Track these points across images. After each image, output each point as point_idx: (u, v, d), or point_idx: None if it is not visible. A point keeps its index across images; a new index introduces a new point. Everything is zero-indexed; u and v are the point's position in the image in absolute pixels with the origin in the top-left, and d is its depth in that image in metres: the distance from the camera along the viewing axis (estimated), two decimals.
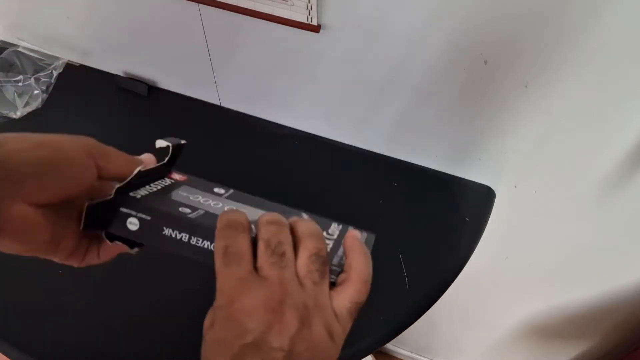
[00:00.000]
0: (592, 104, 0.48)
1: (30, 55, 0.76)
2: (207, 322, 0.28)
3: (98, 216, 0.33)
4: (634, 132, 0.48)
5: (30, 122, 0.71)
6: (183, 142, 0.39)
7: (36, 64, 0.76)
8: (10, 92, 0.73)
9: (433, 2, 0.44)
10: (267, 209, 0.36)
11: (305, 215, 0.36)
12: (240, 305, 0.26)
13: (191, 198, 0.36)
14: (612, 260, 0.66)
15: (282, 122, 0.70)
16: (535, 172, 0.59)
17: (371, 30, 0.49)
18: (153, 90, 0.75)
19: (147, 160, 0.36)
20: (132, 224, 0.33)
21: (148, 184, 0.37)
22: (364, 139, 0.65)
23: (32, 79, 0.73)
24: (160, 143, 0.37)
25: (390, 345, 1.26)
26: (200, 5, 0.56)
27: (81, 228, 0.32)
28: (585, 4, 0.40)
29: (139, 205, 0.33)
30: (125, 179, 0.33)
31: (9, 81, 0.73)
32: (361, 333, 0.49)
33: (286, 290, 0.26)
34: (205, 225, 0.32)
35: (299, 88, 0.62)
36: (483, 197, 0.63)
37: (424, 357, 1.24)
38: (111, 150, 0.32)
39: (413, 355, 1.25)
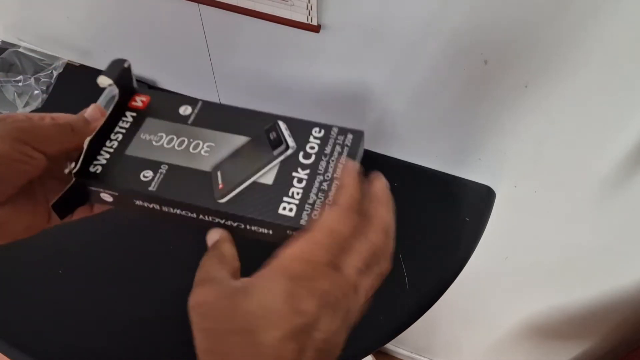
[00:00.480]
0: (592, 104, 0.48)
1: (30, 55, 0.76)
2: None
3: (67, 204, 0.32)
4: (633, 132, 0.48)
5: None
6: (126, 64, 0.34)
7: (36, 64, 0.76)
8: (10, 92, 0.73)
9: (433, 2, 0.44)
10: (238, 125, 0.34)
11: (281, 123, 0.35)
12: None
13: (154, 143, 0.34)
14: (613, 260, 0.66)
15: None
16: (535, 172, 0.59)
17: (371, 31, 0.49)
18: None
19: (94, 114, 0.34)
20: (107, 196, 0.33)
21: (108, 134, 0.34)
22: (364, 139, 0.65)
23: (32, 79, 0.73)
24: (102, 81, 0.34)
25: (390, 345, 1.26)
26: (200, 5, 0.56)
27: (60, 220, 0.33)
28: (585, 4, 0.40)
29: (102, 182, 0.32)
30: (79, 148, 0.32)
31: (9, 81, 0.73)
32: (361, 333, 0.49)
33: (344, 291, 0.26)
34: (169, 199, 0.31)
35: (299, 87, 0.62)
36: (483, 197, 0.63)
37: (424, 357, 1.24)
38: (46, 127, 0.31)
39: (413, 355, 1.25)
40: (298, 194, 0.31)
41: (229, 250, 0.30)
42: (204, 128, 0.34)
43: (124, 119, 0.35)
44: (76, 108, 0.75)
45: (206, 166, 0.33)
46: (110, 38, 0.70)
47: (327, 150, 0.33)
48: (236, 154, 0.33)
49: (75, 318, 0.53)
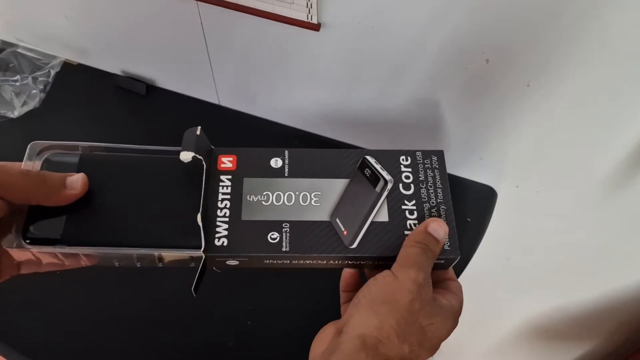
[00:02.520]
0: (594, 103, 0.47)
1: (27, 54, 0.76)
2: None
3: (200, 281, 0.34)
4: (635, 132, 0.48)
5: (28, 122, 0.70)
6: (198, 131, 0.35)
7: (33, 63, 0.76)
8: (7, 91, 0.72)
9: (434, 0, 0.44)
10: (330, 168, 0.36)
11: (370, 158, 0.36)
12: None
13: (264, 203, 0.35)
14: (615, 260, 0.66)
15: (282, 122, 0.69)
16: (537, 172, 0.59)
17: (372, 29, 0.49)
18: (151, 90, 0.74)
19: (75, 181, 0.33)
20: (233, 261, 0.34)
21: (215, 202, 0.34)
22: (364, 138, 0.65)
23: (30, 79, 0.73)
24: (185, 157, 0.34)
25: None
26: (199, 3, 0.55)
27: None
28: (587, 2, 0.39)
29: (232, 251, 0.33)
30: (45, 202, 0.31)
31: (7, 80, 0.72)
32: None
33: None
34: (298, 255, 0.33)
35: (298, 87, 0.61)
36: (485, 197, 0.63)
37: None
38: (14, 174, 0.30)
39: None
40: (415, 224, 0.34)
41: None
42: (302, 178, 0.36)
43: (221, 184, 0.36)
44: (74, 107, 0.75)
45: (323, 216, 0.35)
46: (108, 37, 0.69)
47: (422, 176, 0.36)
48: (344, 198, 0.35)
49: (74, 319, 0.53)
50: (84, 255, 0.32)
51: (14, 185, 0.30)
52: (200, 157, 0.34)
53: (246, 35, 0.57)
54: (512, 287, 0.83)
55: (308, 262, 0.35)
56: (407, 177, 0.36)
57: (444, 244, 0.33)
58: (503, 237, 0.70)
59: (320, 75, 0.58)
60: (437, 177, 0.36)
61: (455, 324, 0.32)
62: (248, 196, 0.35)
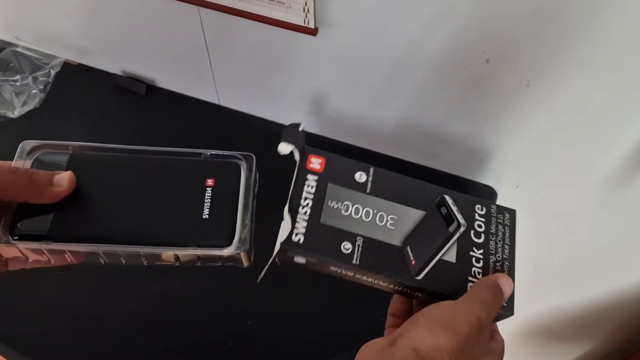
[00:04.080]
0: (594, 103, 0.47)
1: (27, 54, 0.76)
2: None
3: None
4: (636, 132, 0.48)
5: (28, 122, 0.70)
6: (301, 127, 0.37)
7: (34, 63, 0.76)
8: (7, 91, 0.72)
9: (434, 0, 0.44)
10: (409, 197, 0.37)
11: (448, 198, 0.37)
12: None
13: (343, 212, 0.36)
14: (615, 260, 0.66)
15: (282, 122, 0.69)
16: (537, 172, 0.59)
17: (370, 31, 0.49)
18: (152, 90, 0.74)
19: (62, 179, 0.33)
20: (301, 259, 0.35)
21: (298, 198, 0.35)
22: (364, 139, 0.65)
23: (30, 78, 0.73)
24: (283, 148, 0.36)
25: None
26: (200, 7, 0.55)
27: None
28: (588, 2, 0.39)
29: (304, 250, 0.34)
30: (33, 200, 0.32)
31: (7, 80, 0.72)
32: (362, 334, 0.49)
33: None
34: (366, 271, 0.34)
35: (298, 88, 0.61)
36: (485, 198, 0.62)
37: None
38: (2, 172, 0.30)
39: None
40: (479, 273, 0.35)
41: None
42: (381, 199, 0.37)
43: (307, 182, 0.37)
44: (74, 107, 0.75)
45: (395, 240, 0.36)
46: (108, 37, 0.69)
47: (493, 229, 0.37)
48: (418, 229, 0.36)
49: (73, 319, 0.53)
50: (69, 252, 0.33)
51: (2, 183, 0.30)
52: (295, 150, 0.35)
53: (245, 38, 0.57)
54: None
55: (370, 280, 0.35)
56: (480, 226, 0.37)
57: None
58: None
59: (319, 77, 0.58)
60: (507, 233, 0.37)
61: None
62: (330, 201, 0.36)
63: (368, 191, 0.37)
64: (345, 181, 0.37)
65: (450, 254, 0.36)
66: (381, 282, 0.35)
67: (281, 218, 0.34)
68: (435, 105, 0.55)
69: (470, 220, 0.37)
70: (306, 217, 0.35)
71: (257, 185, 0.38)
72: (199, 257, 0.34)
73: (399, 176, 0.38)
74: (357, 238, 0.35)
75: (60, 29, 0.71)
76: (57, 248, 0.32)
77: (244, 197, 0.36)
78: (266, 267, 0.34)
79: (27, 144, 0.35)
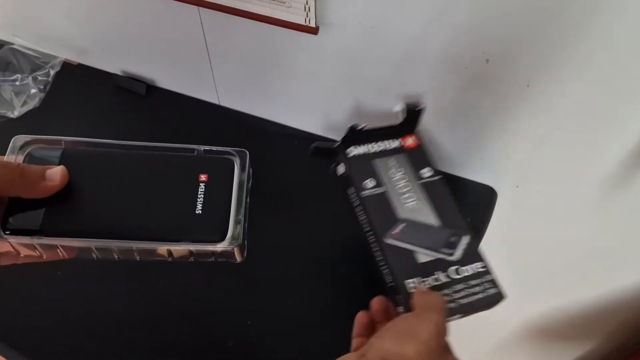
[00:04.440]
0: (594, 103, 0.47)
1: (27, 53, 0.76)
2: None
3: (322, 152, 0.49)
4: (636, 132, 0.48)
5: (28, 122, 0.70)
6: (421, 106, 0.49)
7: (33, 63, 0.76)
8: (7, 91, 0.72)
9: (434, 0, 0.44)
10: (442, 214, 0.45)
11: (465, 238, 0.43)
12: None
13: (392, 171, 0.46)
14: (615, 260, 0.66)
15: (282, 122, 0.69)
16: (537, 172, 0.59)
17: (371, 30, 0.49)
18: (152, 90, 0.74)
19: (54, 174, 0.33)
20: (342, 168, 0.47)
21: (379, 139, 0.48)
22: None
23: (30, 78, 0.73)
24: (397, 107, 0.48)
25: None
26: (200, 7, 0.55)
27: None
28: (587, 2, 0.39)
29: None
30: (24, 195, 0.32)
31: (6, 80, 0.72)
32: None
33: None
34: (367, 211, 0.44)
35: (298, 87, 0.61)
36: (485, 197, 0.62)
37: None
38: None
39: None
40: (429, 284, 0.39)
41: None
42: (428, 203, 0.45)
43: (396, 153, 0.48)
44: (74, 107, 0.75)
45: (400, 214, 0.44)
46: (108, 37, 0.69)
47: (471, 283, 0.41)
48: (423, 225, 0.43)
49: (73, 319, 0.53)
50: (61, 247, 0.33)
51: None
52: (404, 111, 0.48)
53: (246, 37, 0.57)
54: (512, 287, 0.83)
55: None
56: (462, 272, 0.41)
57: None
58: (503, 237, 0.70)
59: (320, 76, 0.58)
60: (473, 301, 0.42)
61: None
62: (390, 161, 0.48)
63: (420, 182, 0.46)
64: (415, 166, 0.47)
65: (424, 257, 0.41)
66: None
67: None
68: (435, 105, 0.55)
69: (464, 263, 0.42)
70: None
71: (250, 181, 0.38)
72: (191, 253, 0.34)
73: (449, 199, 0.46)
74: (381, 187, 0.45)
75: (60, 28, 0.71)
76: (49, 243, 0.32)
77: (237, 192, 0.36)
78: (323, 146, 0.45)
79: (19, 139, 0.35)
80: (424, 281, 0.39)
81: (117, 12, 0.64)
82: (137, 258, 0.34)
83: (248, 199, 0.37)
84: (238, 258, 0.35)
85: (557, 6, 0.41)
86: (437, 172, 0.46)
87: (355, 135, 0.48)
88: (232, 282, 0.54)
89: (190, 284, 0.55)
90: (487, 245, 0.62)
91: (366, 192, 0.45)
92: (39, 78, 0.74)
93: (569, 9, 0.40)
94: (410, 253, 0.41)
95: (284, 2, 0.48)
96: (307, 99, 0.63)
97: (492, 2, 0.42)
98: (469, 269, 0.41)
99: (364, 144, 0.48)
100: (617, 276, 0.69)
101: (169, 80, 0.73)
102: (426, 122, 0.58)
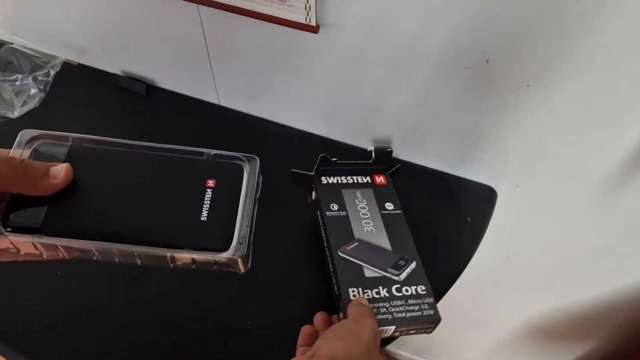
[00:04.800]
0: (594, 103, 0.47)
1: (27, 53, 0.76)
2: None
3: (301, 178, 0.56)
4: (636, 132, 0.48)
5: (28, 122, 0.70)
6: (390, 149, 0.58)
7: (33, 63, 0.76)
8: (7, 91, 0.72)
9: (434, 0, 0.44)
10: (399, 248, 0.49)
11: (414, 264, 0.48)
12: None
13: (358, 201, 0.53)
14: (615, 260, 0.66)
15: (282, 122, 0.69)
16: (537, 172, 0.59)
17: (371, 30, 0.49)
18: (152, 90, 0.74)
19: (58, 171, 0.32)
20: (314, 195, 0.55)
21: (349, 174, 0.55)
22: (364, 139, 0.65)
23: (30, 78, 0.73)
24: (369, 147, 0.57)
25: (391, 347, 1.25)
26: (200, 6, 0.55)
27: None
28: (587, 2, 0.39)
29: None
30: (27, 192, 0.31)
31: (6, 80, 0.72)
32: None
33: None
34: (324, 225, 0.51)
35: (298, 87, 0.61)
36: (485, 197, 0.62)
37: (425, 359, 1.23)
38: None
39: (414, 357, 1.24)
40: (369, 296, 0.44)
41: None
42: (384, 230, 0.51)
43: (366, 190, 0.55)
44: (74, 107, 0.75)
45: (356, 234, 0.50)
46: (108, 37, 0.69)
47: (410, 301, 0.45)
48: (375, 246, 0.49)
49: (73, 319, 0.53)
50: (62, 247, 0.32)
51: None
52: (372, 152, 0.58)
53: (246, 36, 0.57)
54: (512, 287, 0.83)
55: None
56: (404, 292, 0.46)
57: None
58: (503, 237, 0.70)
59: (320, 76, 0.58)
60: (409, 317, 0.45)
61: None
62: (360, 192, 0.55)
63: (383, 219, 0.52)
64: (380, 201, 0.54)
65: (371, 272, 0.46)
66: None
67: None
68: (435, 105, 0.55)
69: (410, 283, 0.46)
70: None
71: (259, 189, 0.37)
72: (194, 260, 0.33)
73: (410, 236, 0.51)
74: (345, 211, 0.51)
75: (60, 28, 0.71)
76: (49, 242, 0.31)
77: (244, 200, 0.35)
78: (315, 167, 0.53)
79: (26, 133, 0.34)
80: (366, 292, 0.44)
81: (117, 12, 0.64)
82: (139, 262, 0.33)
83: (256, 207, 0.36)
84: (242, 269, 0.34)
85: (557, 6, 0.41)
86: (398, 207, 0.53)
87: (327, 166, 0.55)
88: (232, 282, 0.54)
89: (190, 285, 0.55)
90: (487, 245, 0.62)
91: (330, 213, 0.51)
92: (39, 78, 0.74)
93: (569, 9, 0.40)
94: (359, 267, 0.46)
95: (285, 1, 0.48)
96: (307, 98, 0.63)
97: (492, 2, 0.42)
98: (410, 289, 0.46)
99: (336, 175, 0.55)
100: (617, 276, 0.69)
101: (169, 80, 0.73)
102: (426, 122, 0.58)
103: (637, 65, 0.43)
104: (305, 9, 0.48)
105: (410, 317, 0.44)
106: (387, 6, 0.46)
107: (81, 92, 0.75)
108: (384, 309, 0.43)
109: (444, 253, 0.57)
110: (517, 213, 0.65)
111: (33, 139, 0.34)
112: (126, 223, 0.33)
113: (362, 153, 0.66)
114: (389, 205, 0.53)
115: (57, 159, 0.33)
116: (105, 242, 0.32)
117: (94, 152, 0.36)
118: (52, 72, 0.75)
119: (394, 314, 0.43)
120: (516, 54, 0.46)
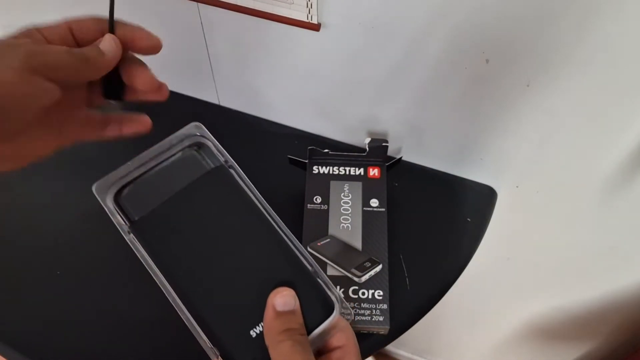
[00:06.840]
0: (595, 103, 0.47)
1: None
2: None
3: None
4: (636, 132, 0.48)
5: None
6: (386, 143, 0.55)
7: None
8: None
9: (434, 0, 0.44)
10: (368, 250, 0.50)
11: (380, 267, 0.48)
12: None
13: (344, 195, 0.53)
14: (615, 260, 0.66)
15: (282, 121, 0.69)
16: (537, 172, 0.59)
17: (372, 29, 0.49)
18: None
19: (108, 46, 0.32)
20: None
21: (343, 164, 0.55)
22: (364, 138, 0.65)
23: None
24: (365, 140, 0.55)
25: (391, 347, 1.25)
26: (199, 3, 0.55)
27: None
28: (587, 2, 0.39)
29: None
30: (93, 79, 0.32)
31: None
32: (362, 335, 0.49)
33: None
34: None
35: (299, 87, 0.61)
36: (485, 198, 0.62)
37: (425, 359, 1.23)
38: (60, 53, 0.29)
39: (414, 357, 1.24)
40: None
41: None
42: (360, 229, 0.50)
43: (357, 179, 0.55)
44: None
45: (330, 230, 0.50)
46: None
47: (363, 305, 0.46)
48: (345, 245, 0.49)
49: (73, 319, 0.53)
50: (141, 256, 0.31)
51: (61, 64, 0.29)
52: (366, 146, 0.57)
53: (246, 35, 0.57)
54: (512, 287, 0.83)
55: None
56: (359, 295, 0.47)
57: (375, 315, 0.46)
58: (503, 237, 0.70)
59: (321, 75, 0.58)
60: (366, 321, 0.46)
61: None
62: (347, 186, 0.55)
63: (341, 229, 0.51)
64: (367, 198, 0.54)
65: (334, 270, 0.47)
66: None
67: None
68: (435, 105, 0.55)
69: (376, 284, 0.48)
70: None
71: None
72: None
73: (382, 244, 0.50)
74: (327, 205, 0.52)
75: None
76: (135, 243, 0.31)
77: None
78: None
79: (194, 129, 0.34)
80: None
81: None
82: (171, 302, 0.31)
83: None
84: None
85: (557, 6, 0.41)
86: (384, 205, 0.53)
87: (319, 157, 0.55)
88: None
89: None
90: (487, 245, 0.62)
91: (310, 206, 0.52)
92: None
93: (569, 9, 0.40)
94: (324, 265, 0.47)
95: None
96: (307, 98, 0.63)
97: (492, 3, 0.42)
98: (367, 293, 0.46)
99: (329, 165, 0.55)
100: (617, 276, 0.69)
101: (168, 80, 0.73)
102: (426, 122, 0.58)
103: (637, 65, 0.43)
104: (307, 6, 0.48)
105: (357, 320, 0.45)
106: (387, 6, 0.46)
107: None
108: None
109: (443, 253, 0.57)
110: (517, 213, 0.66)
111: (194, 137, 0.33)
112: (200, 288, 0.31)
113: (362, 152, 0.66)
114: (374, 202, 0.53)
115: (202, 167, 0.32)
116: (169, 287, 0.30)
117: (229, 182, 0.32)
118: None
119: (342, 315, 0.42)
120: (516, 54, 0.46)
